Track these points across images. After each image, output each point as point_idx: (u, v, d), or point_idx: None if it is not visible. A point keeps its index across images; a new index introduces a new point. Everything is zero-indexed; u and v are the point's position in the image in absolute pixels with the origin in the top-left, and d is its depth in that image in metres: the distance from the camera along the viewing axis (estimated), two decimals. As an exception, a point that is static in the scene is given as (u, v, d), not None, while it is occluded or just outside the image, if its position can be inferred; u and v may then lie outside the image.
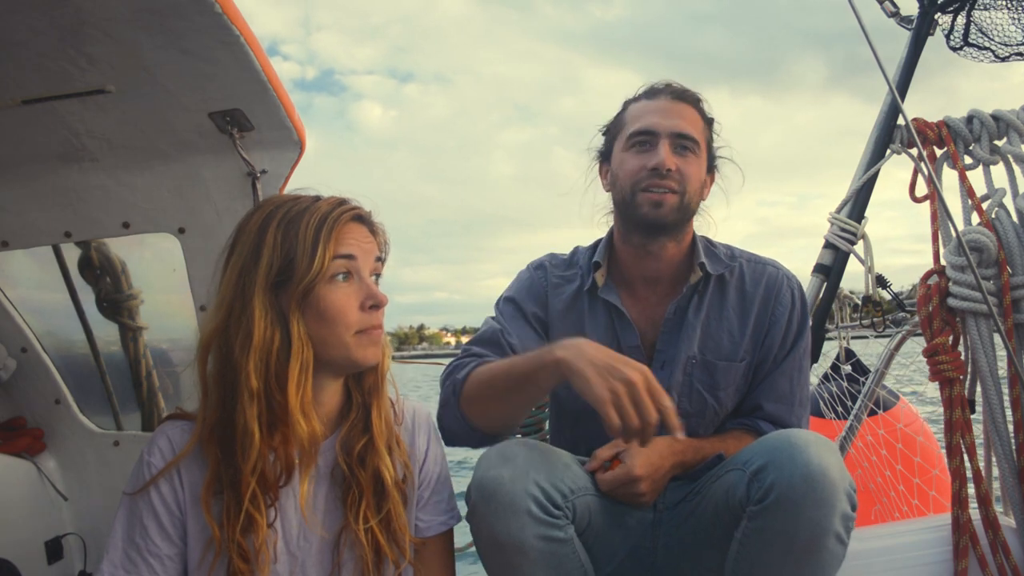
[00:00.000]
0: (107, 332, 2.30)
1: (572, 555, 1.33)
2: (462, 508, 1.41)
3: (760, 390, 1.62)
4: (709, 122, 1.65)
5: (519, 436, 2.28)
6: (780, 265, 1.68)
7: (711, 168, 1.67)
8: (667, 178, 1.53)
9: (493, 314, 1.71)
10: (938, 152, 2.01)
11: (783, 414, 1.61)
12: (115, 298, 2.26)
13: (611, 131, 1.69)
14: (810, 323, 1.72)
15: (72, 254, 2.21)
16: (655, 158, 1.54)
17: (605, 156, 1.71)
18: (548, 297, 1.68)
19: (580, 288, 1.67)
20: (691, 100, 1.62)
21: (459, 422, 1.49)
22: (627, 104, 1.67)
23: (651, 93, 1.63)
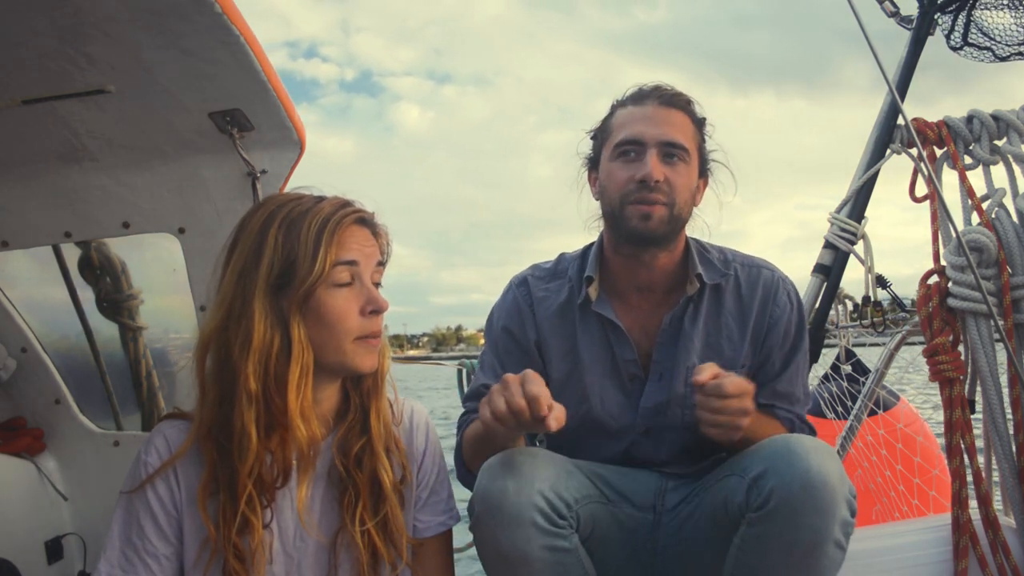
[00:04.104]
0: (107, 332, 2.30)
1: (576, 564, 1.33)
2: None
3: (761, 394, 1.58)
4: (700, 123, 1.61)
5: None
6: (774, 267, 1.66)
7: (703, 172, 1.62)
8: (655, 190, 1.49)
9: (492, 339, 1.69)
10: (938, 152, 2.00)
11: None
12: (115, 298, 2.26)
13: (599, 136, 1.65)
14: (807, 324, 1.71)
15: (72, 254, 2.20)
16: (643, 170, 1.50)
17: (593, 163, 1.67)
18: (535, 313, 1.66)
19: (569, 300, 1.64)
20: (680, 104, 1.57)
21: (465, 474, 1.55)
22: (615, 108, 1.63)
23: (638, 98, 1.59)
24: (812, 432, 1.59)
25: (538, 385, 1.21)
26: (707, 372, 1.32)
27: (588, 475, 1.45)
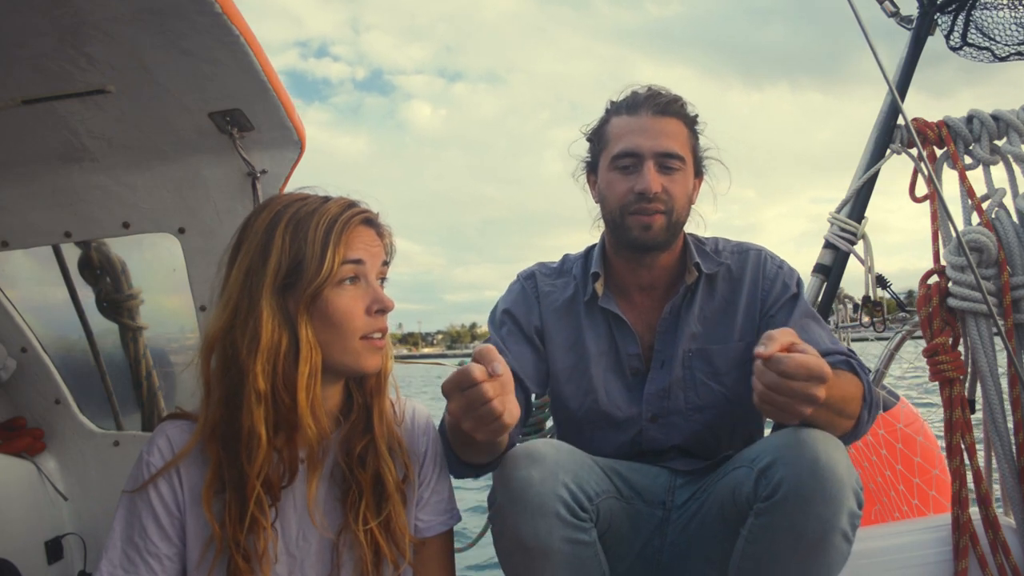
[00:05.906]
0: (107, 332, 2.30)
1: (594, 557, 1.33)
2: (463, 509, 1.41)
3: None
4: (693, 123, 1.64)
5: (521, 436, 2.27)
6: (762, 247, 1.70)
7: (699, 172, 1.67)
8: (654, 201, 1.55)
9: (495, 322, 1.72)
10: (938, 152, 2.01)
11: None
12: (115, 298, 2.26)
13: (596, 142, 1.68)
14: (805, 290, 1.72)
15: (72, 254, 2.20)
16: (641, 182, 1.54)
17: (592, 167, 1.71)
18: (540, 305, 1.71)
19: (575, 297, 1.69)
20: (674, 111, 1.60)
21: (454, 461, 1.42)
22: (610, 114, 1.66)
23: (633, 106, 1.61)
24: (865, 369, 1.48)
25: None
26: (776, 343, 1.14)
27: (604, 470, 1.46)
